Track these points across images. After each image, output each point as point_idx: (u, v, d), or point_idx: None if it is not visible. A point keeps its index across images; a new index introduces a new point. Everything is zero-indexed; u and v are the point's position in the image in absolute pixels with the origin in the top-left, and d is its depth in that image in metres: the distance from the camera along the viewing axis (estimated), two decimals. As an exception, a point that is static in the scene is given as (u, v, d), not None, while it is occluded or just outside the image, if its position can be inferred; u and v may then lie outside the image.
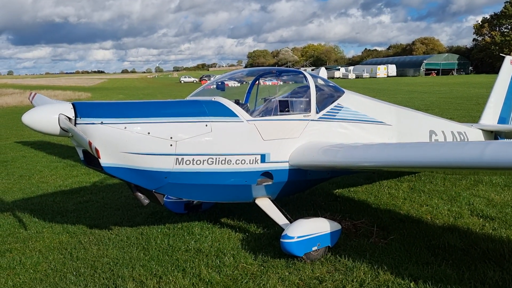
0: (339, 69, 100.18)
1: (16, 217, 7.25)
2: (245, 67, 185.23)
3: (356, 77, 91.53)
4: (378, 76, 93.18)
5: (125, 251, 5.71)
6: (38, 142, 16.00)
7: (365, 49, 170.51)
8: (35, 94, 6.43)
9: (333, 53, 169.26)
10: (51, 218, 7.18)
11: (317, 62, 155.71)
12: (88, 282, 4.88)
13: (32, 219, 7.13)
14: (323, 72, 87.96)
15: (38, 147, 14.96)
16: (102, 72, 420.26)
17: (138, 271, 5.09)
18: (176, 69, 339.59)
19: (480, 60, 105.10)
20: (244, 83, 7.52)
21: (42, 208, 7.76)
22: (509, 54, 11.19)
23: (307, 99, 6.17)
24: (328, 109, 6.38)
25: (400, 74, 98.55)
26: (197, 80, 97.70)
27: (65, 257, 5.62)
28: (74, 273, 5.14)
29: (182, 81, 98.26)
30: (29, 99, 6.58)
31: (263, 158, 5.58)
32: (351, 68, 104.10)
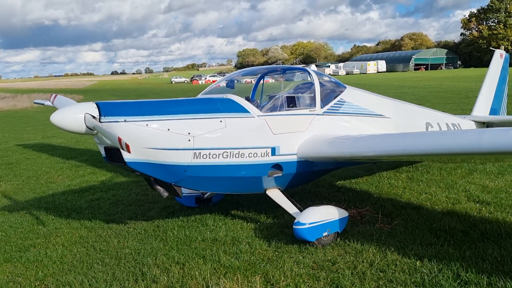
0: (329, 66, 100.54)
1: (33, 215, 7.51)
2: (235, 66, 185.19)
3: (346, 74, 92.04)
4: (368, 72, 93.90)
5: (145, 243, 6.02)
6: (39, 145, 16.20)
7: (354, 45, 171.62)
8: (56, 95, 6.72)
9: (323, 50, 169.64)
10: (67, 215, 7.46)
11: (307, 59, 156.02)
12: (115, 270, 5.19)
13: (49, 217, 7.40)
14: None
15: (39, 149, 15.15)
16: (91, 74, 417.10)
17: (161, 259, 5.41)
18: (166, 70, 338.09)
19: (468, 54, 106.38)
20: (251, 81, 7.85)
21: (56, 206, 8.02)
22: (498, 48, 11.61)
23: (312, 94, 6.53)
24: (331, 103, 6.75)
25: (390, 69, 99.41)
26: (188, 80, 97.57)
27: (88, 250, 5.92)
28: (100, 263, 5.45)
29: (173, 82, 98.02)
30: (49, 100, 6.87)
31: (273, 151, 5.93)
32: (341, 64, 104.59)
